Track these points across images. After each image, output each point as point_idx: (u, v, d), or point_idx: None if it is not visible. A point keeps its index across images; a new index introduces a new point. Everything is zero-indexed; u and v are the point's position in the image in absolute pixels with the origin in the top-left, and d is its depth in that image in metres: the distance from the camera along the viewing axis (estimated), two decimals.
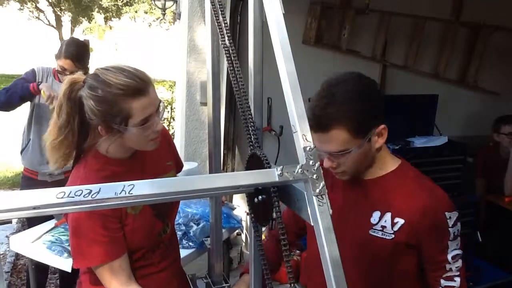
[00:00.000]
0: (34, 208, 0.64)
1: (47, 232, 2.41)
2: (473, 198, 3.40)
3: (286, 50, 0.84)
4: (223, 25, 1.06)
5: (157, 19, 18.74)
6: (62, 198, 0.64)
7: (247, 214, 3.79)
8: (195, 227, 2.44)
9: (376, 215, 1.30)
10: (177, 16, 3.40)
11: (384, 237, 1.28)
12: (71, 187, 0.65)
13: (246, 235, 3.74)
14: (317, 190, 0.76)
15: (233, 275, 3.63)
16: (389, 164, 1.35)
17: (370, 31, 3.90)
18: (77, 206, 0.66)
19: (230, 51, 1.01)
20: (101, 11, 22.23)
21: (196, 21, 3.19)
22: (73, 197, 0.65)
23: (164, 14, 2.96)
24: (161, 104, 1.30)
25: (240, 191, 0.84)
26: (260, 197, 0.87)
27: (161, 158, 1.49)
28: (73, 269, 1.84)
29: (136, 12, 22.20)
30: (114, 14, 23.04)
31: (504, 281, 2.90)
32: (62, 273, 3.02)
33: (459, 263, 1.28)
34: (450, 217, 1.26)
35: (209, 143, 1.35)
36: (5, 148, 7.24)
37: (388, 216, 1.29)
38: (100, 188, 0.66)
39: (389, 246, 1.28)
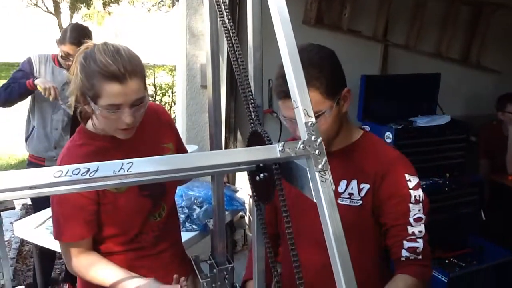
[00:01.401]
0: (30, 187, 0.62)
1: (50, 217, 2.41)
2: (477, 177, 3.39)
3: (286, 23, 0.82)
4: (221, 2, 1.04)
5: (156, 3, 18.57)
6: (59, 177, 0.63)
7: (250, 196, 3.80)
8: (198, 209, 2.45)
9: (342, 183, 1.36)
10: None
11: (352, 204, 1.34)
12: (68, 166, 0.63)
13: (249, 217, 3.75)
14: (320, 166, 0.75)
15: (237, 258, 3.65)
16: (353, 134, 1.42)
17: (371, 11, 3.85)
18: (75, 185, 0.65)
19: (229, 27, 0.99)
20: None
21: (195, 3, 3.15)
22: (71, 176, 0.63)
23: None
24: (144, 100, 1.29)
25: (241, 169, 0.82)
26: (261, 175, 0.86)
27: (158, 139, 1.48)
28: None
29: None
30: (112, 0, 22.83)
31: (508, 260, 2.90)
32: None
33: (422, 227, 1.30)
34: (410, 180, 1.31)
35: (210, 125, 1.33)
36: (7, 136, 7.25)
37: (354, 183, 1.35)
38: (98, 167, 0.64)
39: (358, 212, 1.33)
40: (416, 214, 1.30)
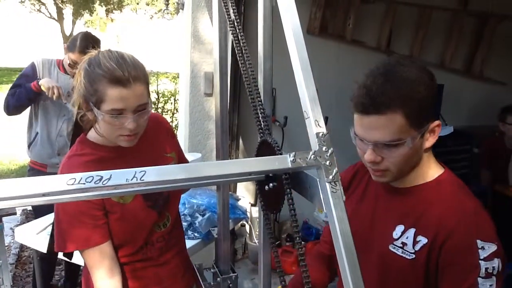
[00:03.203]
0: (44, 195, 0.62)
1: (52, 223, 2.41)
2: (481, 187, 3.38)
3: (298, 34, 0.83)
4: (231, 11, 1.05)
5: (159, 11, 18.65)
6: (72, 184, 0.63)
7: (251, 205, 3.79)
8: (200, 217, 2.44)
9: (399, 229, 1.15)
10: (180, 6, 3.38)
11: (403, 255, 1.12)
12: (81, 174, 0.63)
13: (250, 226, 3.74)
14: (331, 177, 0.75)
15: (237, 266, 3.64)
16: (431, 172, 1.17)
17: (375, 21, 3.87)
18: (88, 193, 0.65)
19: (239, 37, 0.99)
20: (102, 3, 22.13)
21: (200, 11, 3.17)
22: (84, 183, 0.63)
23: (167, 5, 2.93)
24: (147, 106, 1.28)
25: (251, 178, 0.82)
26: (271, 184, 0.86)
27: (161, 148, 1.48)
28: (71, 262, 1.84)
29: (137, 4, 22.12)
30: (115, 7, 22.95)
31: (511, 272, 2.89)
32: (67, 264, 3.03)
33: None
34: (482, 247, 1.04)
35: (216, 134, 1.33)
36: (8, 141, 7.25)
37: (411, 232, 1.13)
38: (111, 175, 0.64)
39: (408, 267, 1.12)
40: None
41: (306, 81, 0.80)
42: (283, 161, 0.74)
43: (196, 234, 2.38)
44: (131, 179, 0.65)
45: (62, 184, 0.63)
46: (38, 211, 2.74)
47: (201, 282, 1.41)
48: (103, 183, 0.64)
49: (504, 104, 3.57)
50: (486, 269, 1.03)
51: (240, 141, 3.71)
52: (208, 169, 0.71)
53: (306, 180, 0.80)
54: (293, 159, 0.74)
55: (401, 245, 1.14)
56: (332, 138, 0.77)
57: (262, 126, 0.93)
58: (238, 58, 1.01)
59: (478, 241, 1.04)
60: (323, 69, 3.52)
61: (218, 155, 1.34)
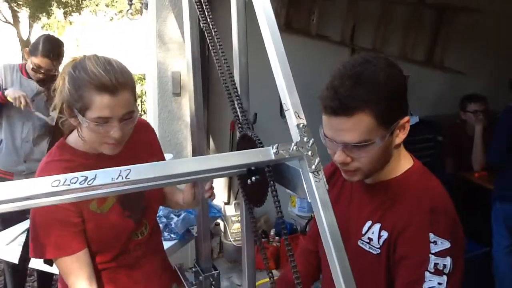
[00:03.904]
0: (28, 198, 0.61)
1: (22, 233, 2.34)
2: (446, 175, 3.49)
3: (273, 27, 0.84)
4: (204, 8, 1.05)
5: (119, 12, 18.29)
6: (57, 186, 0.62)
7: (225, 204, 3.79)
8: (175, 218, 2.43)
9: (367, 224, 1.16)
10: (144, 6, 3.33)
11: (370, 250, 1.13)
12: (66, 175, 0.62)
13: (225, 224, 3.74)
14: (313, 167, 0.76)
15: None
16: (400, 166, 1.17)
17: (339, 16, 3.93)
18: (73, 194, 0.64)
19: (213, 33, 1.00)
20: (60, 6, 21.54)
21: (165, 10, 3.14)
22: (69, 184, 0.62)
23: (131, 5, 2.87)
24: (133, 114, 1.25)
25: (234, 172, 0.83)
26: (253, 178, 0.86)
27: (146, 156, 1.45)
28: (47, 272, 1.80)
29: (97, 5, 21.63)
30: (73, 9, 22.37)
31: (477, 253, 3.01)
32: (39, 274, 2.95)
33: None
34: (435, 242, 1.02)
35: (192, 131, 1.32)
36: None
37: (376, 227, 1.14)
38: (96, 174, 0.64)
39: (374, 261, 1.12)
40: (431, 287, 1.00)
41: (284, 73, 0.81)
42: (266, 153, 0.75)
43: (172, 235, 2.37)
44: (117, 178, 0.65)
45: (46, 186, 0.62)
46: (6, 221, 2.66)
47: (184, 282, 1.40)
48: (88, 183, 0.64)
49: (465, 93, 3.69)
50: (436, 264, 1.01)
51: (211, 141, 3.70)
52: (194, 164, 0.71)
53: (288, 171, 0.81)
54: (276, 151, 0.75)
55: (368, 240, 1.14)
56: None
57: (241, 120, 0.94)
58: (213, 54, 1.01)
59: (431, 235, 1.03)
60: (290, 64, 3.54)
61: (195, 154, 1.33)
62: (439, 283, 1.00)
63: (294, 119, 0.78)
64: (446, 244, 1.02)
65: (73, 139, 1.33)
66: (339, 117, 1.02)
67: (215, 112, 3.57)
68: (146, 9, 3.31)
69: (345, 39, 3.95)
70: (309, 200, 0.77)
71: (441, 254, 1.01)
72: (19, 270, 2.48)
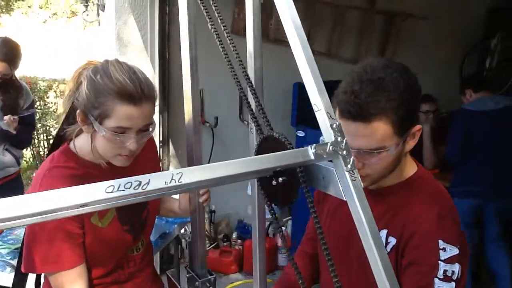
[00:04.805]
0: (82, 206, 0.58)
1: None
2: None
3: (299, 28, 0.85)
4: (214, 8, 1.03)
5: (53, 14, 17.53)
6: (112, 192, 0.59)
7: None
8: None
9: None
10: (100, 7, 3.23)
11: None
12: (119, 180, 0.60)
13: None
14: (349, 166, 0.77)
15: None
16: (405, 171, 1.17)
17: None
18: (127, 199, 0.61)
19: (225, 35, 0.99)
20: None
21: (124, 12, 3.05)
22: (123, 190, 0.60)
23: (87, 6, 2.73)
24: (150, 127, 1.21)
25: (262, 174, 0.82)
26: (280, 179, 0.86)
27: (149, 167, 1.39)
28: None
29: (29, 7, 20.63)
30: (3, 10, 21.21)
31: None
32: None
33: None
34: (444, 248, 1.02)
35: (188, 134, 1.29)
36: None
37: (383, 233, 1.12)
38: (149, 179, 0.61)
39: None
40: None
41: (314, 74, 0.82)
42: (305, 154, 0.76)
43: None
44: (170, 182, 0.63)
45: (101, 193, 0.59)
46: None
47: None
48: (143, 188, 0.61)
49: None
50: (445, 271, 1.01)
51: (171, 144, 3.64)
52: (240, 167, 0.70)
53: (319, 171, 0.82)
54: (315, 151, 0.76)
55: None
56: None
57: (260, 122, 0.93)
58: (224, 56, 1.00)
59: (440, 241, 1.03)
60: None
61: (191, 159, 1.29)
62: None
63: (327, 119, 0.79)
64: (455, 251, 1.03)
65: (77, 146, 1.26)
66: (357, 123, 1.02)
67: (175, 116, 3.52)
68: (103, 10, 3.21)
69: None
70: (345, 199, 0.79)
71: (450, 260, 1.02)
72: None
